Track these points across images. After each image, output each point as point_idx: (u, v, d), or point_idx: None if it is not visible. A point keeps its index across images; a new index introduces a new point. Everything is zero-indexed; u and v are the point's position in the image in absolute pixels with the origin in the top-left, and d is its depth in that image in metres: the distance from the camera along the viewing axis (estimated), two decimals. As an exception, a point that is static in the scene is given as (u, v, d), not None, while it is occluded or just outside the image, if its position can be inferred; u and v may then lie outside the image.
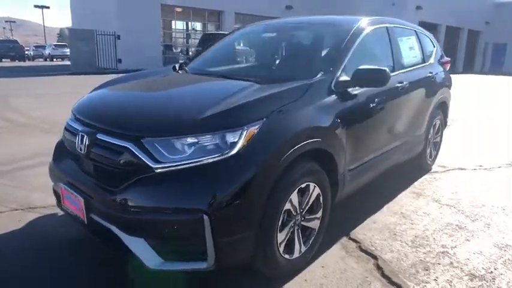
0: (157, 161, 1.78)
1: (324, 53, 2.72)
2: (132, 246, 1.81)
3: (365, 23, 2.93)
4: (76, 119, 2.25)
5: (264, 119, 1.92)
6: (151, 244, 1.80)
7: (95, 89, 2.68)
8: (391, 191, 3.56)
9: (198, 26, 23.74)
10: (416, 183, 3.84)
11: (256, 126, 1.87)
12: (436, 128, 4.13)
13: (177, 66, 3.22)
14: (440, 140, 4.39)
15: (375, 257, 2.46)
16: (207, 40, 14.94)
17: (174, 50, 23.27)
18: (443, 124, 4.34)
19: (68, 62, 24.49)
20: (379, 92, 2.75)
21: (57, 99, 9.25)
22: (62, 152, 2.34)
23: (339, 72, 2.45)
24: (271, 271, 2.09)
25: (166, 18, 20.62)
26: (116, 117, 2.05)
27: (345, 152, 2.43)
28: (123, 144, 1.85)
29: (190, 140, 1.80)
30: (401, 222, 2.96)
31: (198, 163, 1.76)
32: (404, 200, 3.41)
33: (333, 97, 2.36)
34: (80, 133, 2.05)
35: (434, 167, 4.30)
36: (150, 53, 18.58)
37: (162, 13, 18.99)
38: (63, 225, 2.79)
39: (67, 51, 30.46)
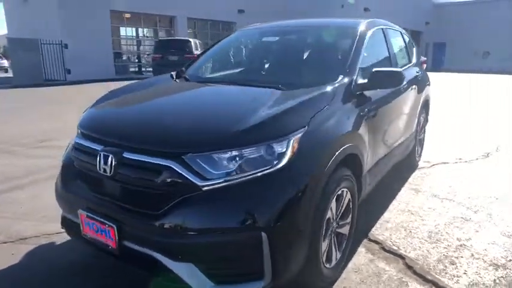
0: (203, 179, 1.65)
1: (338, 56, 2.71)
2: (179, 272, 1.66)
3: (365, 26, 2.97)
4: (89, 137, 2.04)
5: (306, 127, 1.86)
6: (202, 268, 1.66)
7: (98, 102, 2.45)
8: (390, 189, 3.64)
9: (149, 32, 23.07)
10: (410, 179, 3.97)
11: (300, 135, 1.81)
12: (421, 125, 4.30)
13: (173, 74, 3.05)
14: (424, 137, 4.59)
15: (401, 257, 2.48)
16: (163, 47, 14.58)
17: (124, 58, 22.42)
18: (426, 121, 4.54)
19: (5, 74, 22.69)
20: (387, 92, 2.80)
21: (7, 114, 8.47)
22: (72, 174, 2.10)
23: (356, 75, 2.46)
24: (317, 282, 2.03)
25: (116, 24, 19.79)
26: (149, 134, 1.87)
27: (367, 154, 2.44)
28: (163, 163, 1.69)
29: (235, 153, 1.69)
30: (412, 220, 3.03)
31: (248, 177, 1.66)
32: (406, 197, 3.50)
33: (355, 100, 2.36)
34: (102, 153, 1.85)
35: (420, 163, 4.48)
36: (101, 62, 17.70)
37: (111, 20, 18.17)
38: (65, 254, 2.53)
39: (3, 62, 28.18)
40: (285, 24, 3.43)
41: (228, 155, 1.69)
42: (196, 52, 14.56)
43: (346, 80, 2.37)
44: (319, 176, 1.82)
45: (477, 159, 4.78)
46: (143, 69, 22.28)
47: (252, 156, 1.69)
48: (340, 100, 2.21)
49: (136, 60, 23.32)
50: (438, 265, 2.39)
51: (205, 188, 1.64)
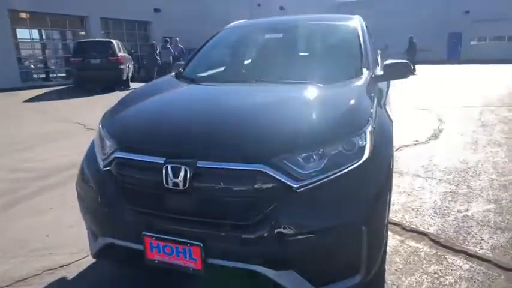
0: (296, 180, 1.60)
1: (354, 50, 2.80)
2: (282, 281, 1.59)
3: (358, 20, 3.14)
4: (139, 150, 1.81)
5: (370, 119, 1.92)
6: (302, 273, 1.62)
7: (121, 113, 2.20)
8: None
9: (57, 34, 20.91)
10: (388, 163, 4.29)
11: (370, 127, 1.86)
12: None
13: (175, 75, 2.87)
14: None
15: (424, 234, 2.70)
16: (83, 49, 13.38)
17: (29, 63, 20.02)
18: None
19: None
20: (386, 84, 3.01)
21: None
22: (118, 194, 1.84)
23: (374, 68, 2.59)
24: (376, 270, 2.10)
25: (18, 26, 17.53)
26: (229, 140, 1.74)
27: None
28: (253, 168, 1.60)
29: (322, 151, 1.68)
30: (412, 200, 3.30)
31: (338, 174, 1.65)
32: (394, 180, 3.78)
33: (377, 91, 2.49)
34: (170, 165, 1.67)
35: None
36: (2, 68, 15.58)
37: (11, 21, 16.03)
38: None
39: None
40: (284, 21, 3.43)
41: (315, 153, 1.66)
42: (121, 54, 13.66)
43: (370, 73, 2.49)
44: (390, 165, 1.89)
45: (430, 139, 5.35)
46: (52, 75, 20.15)
47: (337, 152, 1.69)
48: (375, 92, 2.32)
49: (43, 66, 20.98)
50: (458, 236, 2.65)
51: (300, 189, 1.60)
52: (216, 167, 1.64)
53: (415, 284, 2.15)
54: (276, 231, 1.56)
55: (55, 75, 20.01)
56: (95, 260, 2.52)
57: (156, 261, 1.73)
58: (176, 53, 14.88)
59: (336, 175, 1.64)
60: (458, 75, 16.50)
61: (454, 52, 29.46)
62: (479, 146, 4.91)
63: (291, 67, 2.76)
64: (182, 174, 1.64)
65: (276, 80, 2.51)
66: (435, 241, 2.60)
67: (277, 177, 1.58)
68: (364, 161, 1.71)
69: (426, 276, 2.22)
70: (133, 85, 13.97)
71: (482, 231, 2.71)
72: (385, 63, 2.62)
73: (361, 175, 1.69)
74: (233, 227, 1.61)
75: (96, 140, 2.15)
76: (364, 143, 1.76)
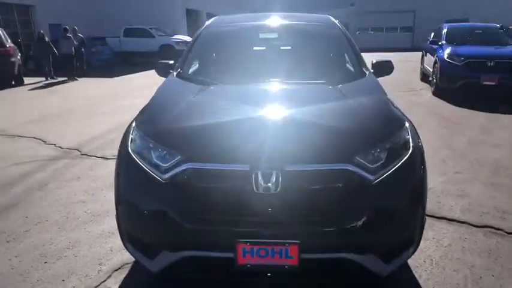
0: (371, 174, 1.85)
1: (350, 52, 3.10)
2: (366, 263, 1.84)
3: (336, 21, 3.48)
4: (219, 159, 1.84)
5: (400, 113, 2.26)
6: (379, 254, 1.89)
7: (185, 124, 2.13)
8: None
9: None
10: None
11: (405, 120, 2.20)
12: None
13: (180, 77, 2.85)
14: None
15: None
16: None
17: None
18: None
19: None
20: None
21: None
22: (202, 204, 1.85)
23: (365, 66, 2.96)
24: None
25: None
26: (313, 143, 1.89)
27: None
28: (340, 167, 1.80)
29: (384, 147, 1.95)
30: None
31: (398, 165, 1.94)
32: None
33: None
34: (260, 171, 1.76)
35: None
36: None
37: None
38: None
39: None
40: (269, 19, 3.48)
41: (380, 149, 1.93)
42: (9, 45, 11.83)
43: (369, 72, 2.86)
44: (424, 151, 2.22)
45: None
46: None
47: (393, 147, 1.98)
48: None
49: None
50: (434, 208, 3.24)
51: (375, 181, 1.85)
52: (304, 169, 1.79)
53: (424, 249, 2.61)
54: (361, 220, 1.80)
55: None
56: (123, 276, 2.44)
57: (248, 265, 1.81)
58: (77, 44, 13.50)
59: (396, 166, 1.93)
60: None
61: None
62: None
63: (299, 67, 2.94)
64: (274, 178, 1.75)
65: (292, 80, 2.68)
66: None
67: (360, 173, 1.82)
68: (412, 151, 2.04)
69: (429, 241, 2.71)
70: (26, 80, 12.32)
71: (454, 202, 3.35)
72: (373, 61, 3.02)
73: (412, 164, 2.01)
74: (325, 222, 1.79)
75: (136, 150, 2.06)
76: (408, 136, 2.10)
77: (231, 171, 1.81)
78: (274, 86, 2.65)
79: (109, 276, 2.45)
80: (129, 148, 2.11)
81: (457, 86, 7.73)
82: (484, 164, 4.24)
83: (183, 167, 1.86)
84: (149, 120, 2.24)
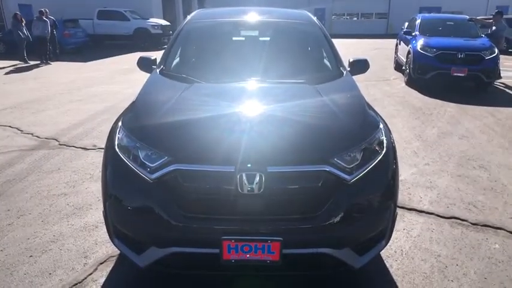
0: (348, 174, 1.98)
1: (324, 48, 3.20)
2: (342, 257, 2.00)
3: (314, 16, 3.58)
4: (206, 161, 1.93)
5: (374, 114, 2.41)
6: (354, 248, 2.05)
7: (172, 125, 2.20)
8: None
9: None
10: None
11: (380, 121, 2.35)
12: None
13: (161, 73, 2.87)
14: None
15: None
16: None
17: None
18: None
19: None
20: None
21: None
22: (189, 203, 1.93)
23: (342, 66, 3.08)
24: None
25: None
26: (293, 146, 2.00)
27: None
28: (319, 169, 1.93)
29: (360, 148, 2.09)
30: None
31: (372, 165, 2.08)
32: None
33: None
34: (244, 173, 1.87)
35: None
36: None
37: None
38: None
39: None
40: (252, 15, 3.52)
41: (356, 151, 2.07)
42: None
43: (346, 71, 2.98)
44: (396, 151, 2.38)
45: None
46: None
47: (368, 148, 2.12)
48: None
49: None
50: (405, 199, 3.45)
51: (351, 181, 1.99)
52: (285, 170, 1.91)
53: (395, 240, 2.81)
54: (338, 217, 1.94)
55: None
56: (109, 268, 2.51)
57: (233, 261, 1.93)
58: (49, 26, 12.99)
59: (371, 166, 2.08)
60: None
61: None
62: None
63: (280, 66, 3.02)
64: (257, 179, 1.87)
65: (273, 79, 2.77)
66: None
67: (337, 173, 1.95)
68: (386, 151, 2.19)
69: (399, 232, 2.92)
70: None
71: (423, 193, 3.57)
72: (350, 60, 3.14)
73: (386, 162, 2.16)
74: (304, 219, 1.93)
75: (124, 150, 2.12)
76: (383, 137, 2.25)
77: (217, 173, 1.91)
78: (256, 85, 2.74)
79: (95, 269, 2.52)
80: (116, 147, 2.17)
81: (429, 76, 8.04)
82: (452, 155, 4.50)
83: (171, 167, 1.94)
84: (135, 120, 2.29)
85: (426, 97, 7.56)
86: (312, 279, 2.41)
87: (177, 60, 3.16)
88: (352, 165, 2.02)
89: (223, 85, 2.75)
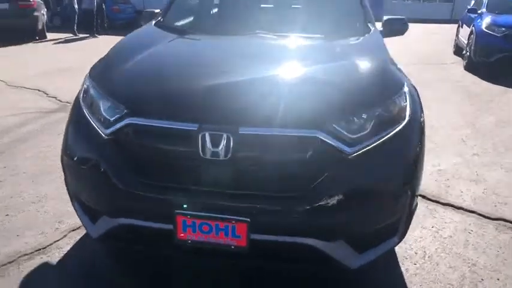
0: (349, 145, 1.50)
1: (356, 4, 2.66)
2: (331, 252, 1.53)
3: None
4: (162, 115, 1.54)
5: (404, 78, 1.87)
6: (349, 241, 1.57)
7: (138, 72, 1.85)
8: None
9: None
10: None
11: (406, 86, 1.80)
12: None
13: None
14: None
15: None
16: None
17: None
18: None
19: None
20: None
21: None
22: (141, 167, 1.57)
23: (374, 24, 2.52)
24: None
25: None
26: (279, 103, 1.54)
27: None
28: (306, 134, 1.46)
29: (372, 114, 1.58)
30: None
31: (386, 137, 1.57)
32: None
33: None
34: (208, 133, 1.45)
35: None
36: None
37: None
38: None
39: None
40: None
41: (363, 117, 1.56)
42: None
43: (375, 28, 2.42)
44: (424, 124, 1.82)
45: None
46: None
47: (382, 115, 1.61)
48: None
49: None
50: (441, 192, 2.84)
51: (352, 155, 1.49)
52: (262, 133, 1.46)
53: (419, 239, 2.26)
54: (331, 200, 1.46)
55: None
56: (79, 236, 2.26)
57: (189, 241, 1.53)
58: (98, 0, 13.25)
59: (383, 138, 1.57)
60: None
61: (378, 10, 30.86)
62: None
63: (293, 18, 2.54)
64: (224, 142, 1.44)
65: (281, 32, 2.30)
66: (421, 195, 2.75)
67: (332, 143, 1.47)
68: (407, 122, 1.66)
69: (426, 230, 2.35)
70: (50, 36, 12.28)
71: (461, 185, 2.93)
72: (384, 19, 2.57)
73: (405, 137, 1.64)
74: (283, 199, 1.47)
75: (87, 101, 1.81)
76: (406, 103, 1.71)
77: (176, 131, 1.51)
78: (258, 38, 2.27)
79: (64, 236, 2.29)
80: (80, 98, 1.88)
81: (494, 59, 6.93)
82: (510, 148, 3.73)
83: (125, 121, 1.58)
84: (103, 69, 1.96)
85: (487, 83, 6.55)
86: (296, 277, 1.95)
87: (178, 12, 2.77)
88: (357, 135, 1.52)
89: (216, 37, 2.34)
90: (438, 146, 3.65)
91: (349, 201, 1.49)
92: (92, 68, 2.04)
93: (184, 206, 1.49)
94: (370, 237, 1.62)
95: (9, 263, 2.05)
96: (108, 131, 1.62)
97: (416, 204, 1.76)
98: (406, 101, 1.72)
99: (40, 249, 2.17)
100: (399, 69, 2.00)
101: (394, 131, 1.60)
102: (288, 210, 1.46)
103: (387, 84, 1.75)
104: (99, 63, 2.06)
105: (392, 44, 2.30)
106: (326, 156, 1.47)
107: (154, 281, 1.94)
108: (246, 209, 1.46)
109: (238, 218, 1.46)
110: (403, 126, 1.63)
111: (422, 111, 1.86)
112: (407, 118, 1.67)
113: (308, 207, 1.45)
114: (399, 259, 2.08)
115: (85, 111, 1.78)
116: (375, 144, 1.54)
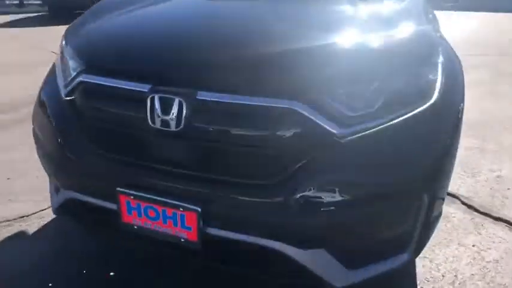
0: (341, 125, 1.11)
1: None
2: (307, 263, 1.17)
3: None
4: (115, 72, 1.29)
5: (440, 46, 1.40)
6: (334, 252, 1.19)
7: (102, 26, 1.66)
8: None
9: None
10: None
11: (442, 57, 1.35)
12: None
13: None
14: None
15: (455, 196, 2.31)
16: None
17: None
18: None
19: None
20: None
21: None
22: (85, 135, 1.35)
23: None
24: None
25: None
26: (249, 64, 1.20)
27: None
28: (279, 105, 1.10)
29: (377, 87, 1.17)
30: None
31: (398, 119, 1.16)
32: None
33: (433, 14, 1.94)
34: (157, 95, 1.16)
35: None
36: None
37: None
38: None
39: None
40: None
41: (369, 89, 1.16)
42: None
43: None
44: (461, 110, 1.38)
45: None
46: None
47: (398, 89, 1.19)
48: (429, 12, 1.77)
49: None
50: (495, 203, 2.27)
51: (345, 138, 1.11)
52: (225, 101, 1.13)
53: (452, 259, 1.78)
54: (306, 195, 1.10)
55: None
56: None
57: (135, 227, 1.27)
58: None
59: (395, 121, 1.15)
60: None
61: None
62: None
63: None
64: (175, 109, 1.13)
65: None
66: (468, 206, 2.21)
67: (315, 119, 1.09)
68: (434, 102, 1.22)
69: (464, 248, 1.85)
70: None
71: (521, 196, 2.33)
72: None
73: (427, 123, 1.21)
74: (245, 187, 1.14)
75: (58, 61, 1.63)
76: (436, 77, 1.26)
77: (127, 92, 1.24)
78: None
79: (49, 206, 2.15)
80: (58, 59, 1.70)
81: None
82: None
83: (77, 80, 1.37)
84: (75, 27, 1.76)
85: None
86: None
87: None
88: (357, 114, 1.14)
89: None
90: (503, 149, 2.99)
91: (336, 200, 1.11)
92: (68, 27, 1.87)
93: (127, 184, 1.22)
94: (365, 250, 1.23)
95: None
96: (66, 91, 1.42)
97: (440, 213, 1.32)
98: (436, 75, 1.27)
99: (23, 217, 2.07)
100: (440, 37, 1.53)
101: (412, 113, 1.17)
102: (250, 202, 1.12)
103: (411, 49, 1.30)
104: (74, 22, 1.87)
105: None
106: (305, 136, 1.10)
107: (129, 261, 1.72)
108: (197, 195, 1.15)
109: (187, 205, 1.15)
110: (426, 108, 1.20)
111: (463, 95, 1.39)
112: (434, 98, 1.23)
113: (277, 201, 1.10)
114: (418, 281, 1.64)
115: (56, 70, 1.60)
116: (380, 127, 1.13)
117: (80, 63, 1.41)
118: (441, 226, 1.99)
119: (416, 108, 1.18)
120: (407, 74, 1.22)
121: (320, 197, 1.10)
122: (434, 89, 1.24)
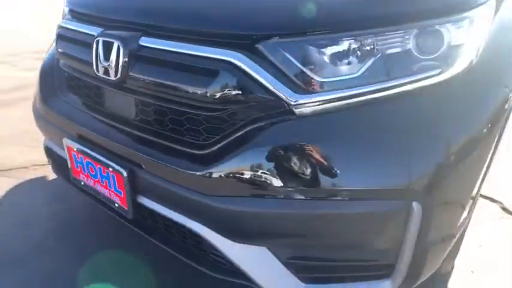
0: (300, 90, 0.83)
1: None
2: (241, 261, 0.92)
3: None
4: (82, 16, 1.22)
5: None
6: (284, 258, 0.91)
7: None
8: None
9: None
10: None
11: (487, 8, 0.93)
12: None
13: None
14: None
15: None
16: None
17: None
18: None
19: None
20: None
21: None
22: (58, 81, 1.33)
23: None
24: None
25: None
26: (190, 5, 1.00)
27: None
28: (217, 57, 0.86)
29: (366, 40, 0.84)
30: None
31: (393, 90, 0.82)
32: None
33: None
34: (101, 39, 1.03)
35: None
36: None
37: None
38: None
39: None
40: None
41: (352, 43, 0.83)
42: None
43: None
44: (509, 94, 0.96)
45: None
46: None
47: (398, 47, 0.84)
48: None
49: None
50: None
51: (304, 107, 0.83)
52: (160, 47, 0.94)
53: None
54: (246, 174, 0.85)
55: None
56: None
57: (82, 183, 1.17)
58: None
59: (387, 92, 0.82)
60: None
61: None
62: None
63: None
64: (114, 54, 0.98)
65: None
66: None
67: (260, 78, 0.82)
68: (457, 74, 0.85)
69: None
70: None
71: None
72: None
73: (442, 100, 0.85)
74: (176, 154, 0.95)
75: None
76: (466, 38, 0.87)
77: (84, 36, 1.15)
78: None
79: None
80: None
81: None
82: None
83: (60, 25, 1.34)
84: None
85: None
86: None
87: None
88: (331, 78, 0.84)
89: None
90: None
91: (285, 188, 0.83)
92: None
93: (72, 135, 1.14)
94: (327, 263, 0.92)
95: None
96: (55, 38, 1.40)
97: (457, 231, 0.94)
98: (468, 33, 0.86)
99: (20, 168, 2.09)
100: None
101: (416, 84, 0.83)
102: (177, 173, 0.91)
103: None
104: None
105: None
106: (248, 99, 0.85)
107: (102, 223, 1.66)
108: (124, 155, 1.00)
109: (114, 165, 1.01)
110: (444, 80, 0.83)
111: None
112: (463, 66, 0.84)
113: (207, 174, 0.87)
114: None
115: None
116: (359, 98, 0.81)
117: (67, 8, 1.37)
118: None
119: (424, 79, 0.82)
120: (416, 29, 0.84)
121: (257, 180, 0.84)
122: (459, 55, 0.84)
